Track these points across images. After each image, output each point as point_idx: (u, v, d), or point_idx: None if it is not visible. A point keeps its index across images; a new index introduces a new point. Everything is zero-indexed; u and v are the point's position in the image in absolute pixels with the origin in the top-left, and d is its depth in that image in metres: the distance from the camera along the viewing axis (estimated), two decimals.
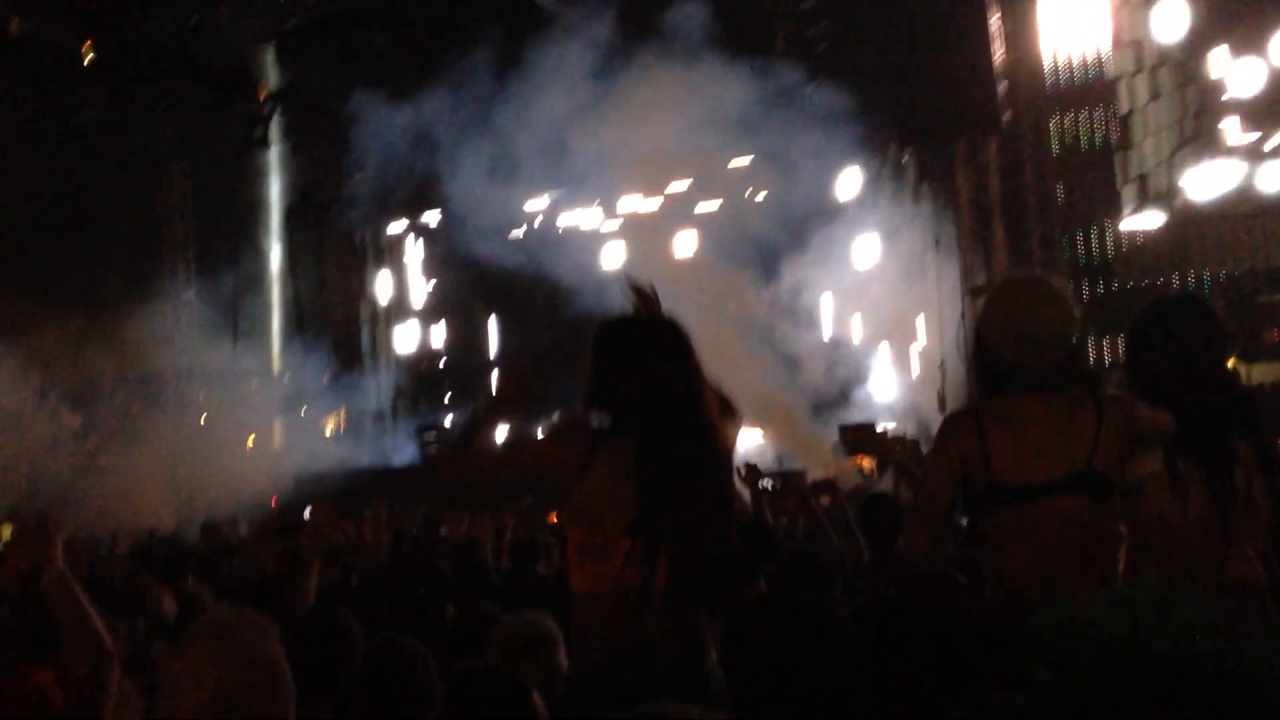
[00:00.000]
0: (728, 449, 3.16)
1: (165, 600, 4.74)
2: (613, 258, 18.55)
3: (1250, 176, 16.76)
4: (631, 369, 3.09)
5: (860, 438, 5.14)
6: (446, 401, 21.45)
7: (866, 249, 18.46)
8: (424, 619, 4.33)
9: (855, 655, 1.90)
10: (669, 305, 3.29)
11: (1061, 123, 18.55)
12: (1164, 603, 1.39)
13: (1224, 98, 16.48)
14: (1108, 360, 16.60)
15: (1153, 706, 1.32)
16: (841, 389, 18.77)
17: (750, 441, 17.94)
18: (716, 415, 3.13)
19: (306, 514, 7.96)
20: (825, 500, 6.00)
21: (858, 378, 18.83)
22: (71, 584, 2.62)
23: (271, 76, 20.79)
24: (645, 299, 3.29)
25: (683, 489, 2.97)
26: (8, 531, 14.06)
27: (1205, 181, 17.12)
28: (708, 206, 18.74)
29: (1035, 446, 3.07)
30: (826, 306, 18.80)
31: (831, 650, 1.86)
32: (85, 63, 17.94)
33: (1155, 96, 17.05)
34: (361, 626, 3.40)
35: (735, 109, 15.97)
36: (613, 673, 2.82)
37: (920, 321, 17.75)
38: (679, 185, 18.58)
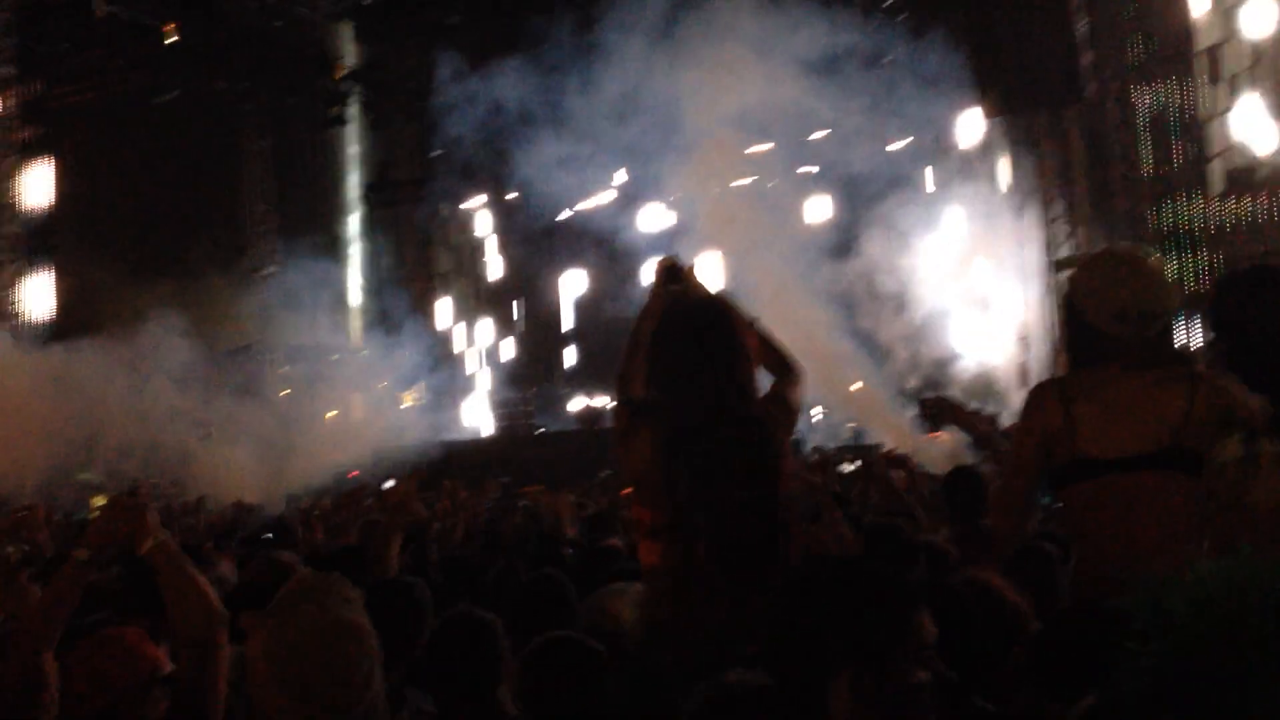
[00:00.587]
0: (772, 433, 3.06)
1: (225, 566, 4.85)
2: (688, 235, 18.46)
3: None
4: (659, 355, 3.09)
5: (939, 412, 5.06)
6: (522, 376, 21.62)
7: (950, 222, 18.23)
8: (499, 591, 4.37)
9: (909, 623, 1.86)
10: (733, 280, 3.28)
11: (1147, 94, 18.10)
12: (1265, 578, 1.34)
13: None
14: (1192, 336, 16.23)
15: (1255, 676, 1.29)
16: (922, 363, 18.63)
17: (829, 417, 17.89)
18: (756, 398, 3.08)
19: (387, 485, 8.07)
20: (901, 476, 5.93)
21: (939, 352, 18.66)
22: (175, 551, 2.67)
23: (349, 54, 21.01)
24: (678, 278, 3.30)
25: (711, 486, 2.94)
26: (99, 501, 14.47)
27: None
28: (790, 176, 18.59)
29: (1124, 420, 3.02)
30: (908, 280, 18.60)
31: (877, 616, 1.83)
32: (168, 43, 18.25)
33: (1248, 65, 16.55)
34: (432, 596, 3.45)
35: (817, 78, 15.78)
36: (668, 650, 2.83)
37: (1002, 295, 17.51)
38: (756, 158, 18.44)
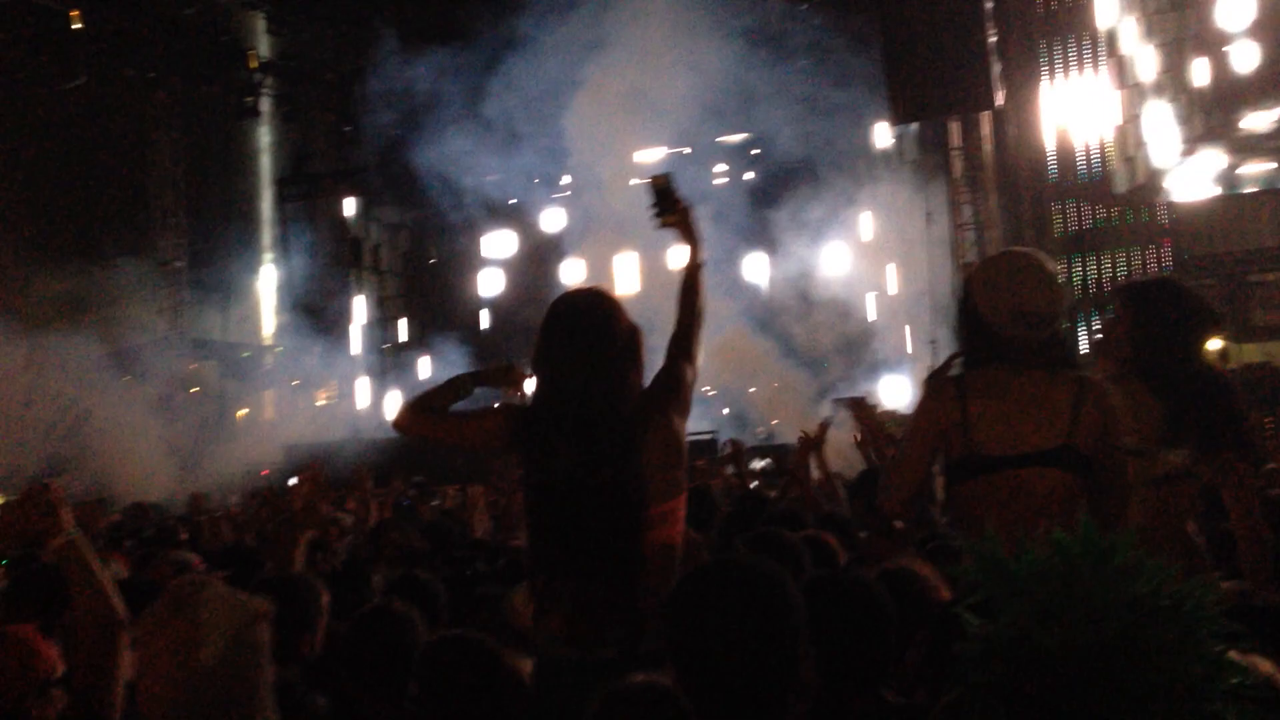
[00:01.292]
0: (636, 435, 3.02)
1: (115, 566, 4.77)
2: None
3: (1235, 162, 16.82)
4: (538, 345, 3.12)
5: (853, 411, 5.18)
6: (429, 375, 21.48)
7: (861, 226, 18.50)
8: (413, 588, 4.36)
9: (795, 622, 1.90)
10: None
11: (1055, 101, 18.52)
12: (1103, 548, 1.41)
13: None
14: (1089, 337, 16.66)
15: (1086, 644, 1.36)
16: (839, 363, 18.90)
17: (743, 418, 18.06)
18: (627, 396, 3.07)
19: (292, 483, 7.97)
20: (817, 474, 6.03)
21: (856, 354, 18.95)
22: (83, 550, 2.63)
23: (262, 45, 20.67)
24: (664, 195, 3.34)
25: (564, 522, 2.97)
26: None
27: (1194, 165, 17.18)
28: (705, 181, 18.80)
29: (1014, 419, 3.11)
30: (824, 282, 18.87)
31: (768, 614, 1.87)
32: (74, 28, 17.80)
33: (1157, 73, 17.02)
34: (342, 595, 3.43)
35: (731, 85, 15.96)
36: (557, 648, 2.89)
37: (912, 298, 17.81)
38: (670, 159, 18.61)
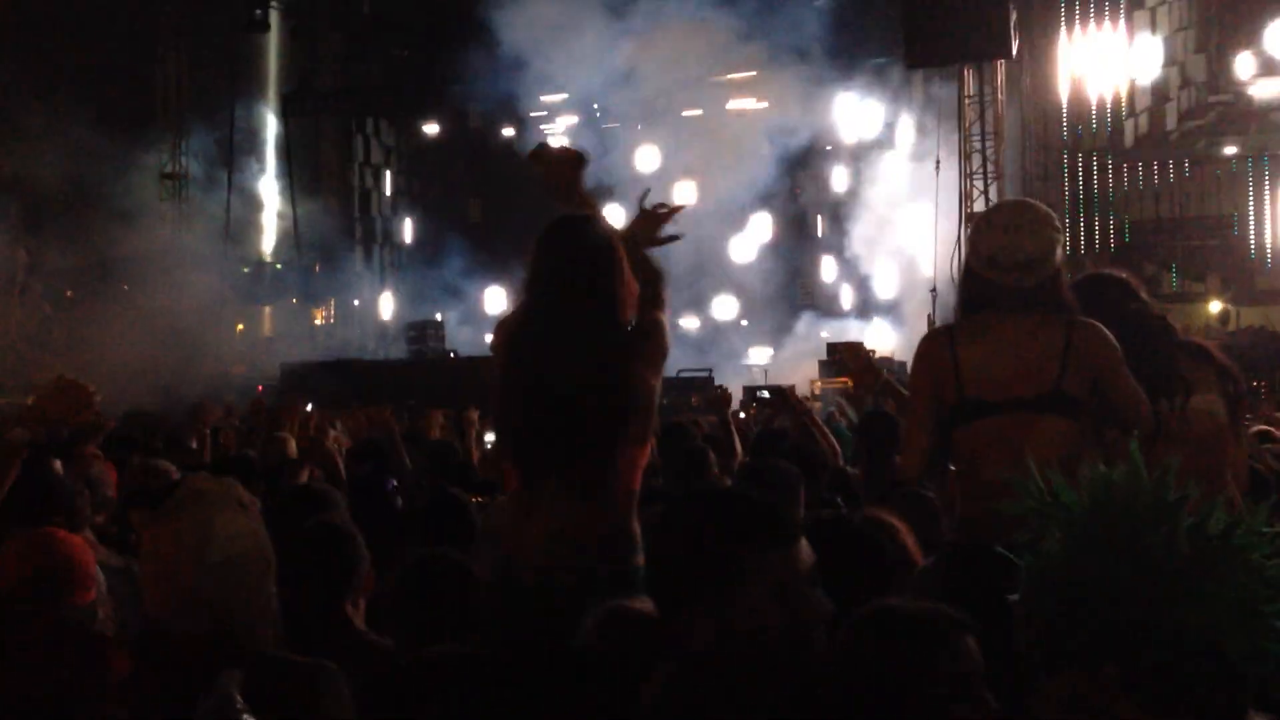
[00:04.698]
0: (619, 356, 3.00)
1: (96, 468, 4.80)
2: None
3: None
4: (533, 268, 3.11)
5: (846, 358, 5.18)
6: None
7: (870, 172, 18.39)
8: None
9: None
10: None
11: (1071, 53, 18.31)
12: (1151, 483, 1.48)
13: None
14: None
15: (1147, 572, 1.44)
16: (841, 308, 18.94)
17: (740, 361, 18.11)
18: (616, 332, 3.04)
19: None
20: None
21: (859, 299, 18.98)
22: None
23: None
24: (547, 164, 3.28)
25: (547, 426, 2.97)
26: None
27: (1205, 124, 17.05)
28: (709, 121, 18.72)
29: (1004, 363, 3.13)
30: (827, 227, 18.84)
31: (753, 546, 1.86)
32: None
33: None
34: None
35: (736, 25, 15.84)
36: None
37: (921, 249, 17.74)
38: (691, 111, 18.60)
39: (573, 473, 2.92)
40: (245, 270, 19.92)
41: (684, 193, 18.75)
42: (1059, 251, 3.24)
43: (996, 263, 3.16)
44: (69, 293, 16.79)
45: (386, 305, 22.37)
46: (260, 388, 15.43)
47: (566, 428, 2.94)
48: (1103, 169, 19.14)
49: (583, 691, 2.14)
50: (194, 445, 7.08)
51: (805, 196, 19.80)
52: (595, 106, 19.56)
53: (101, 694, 2.17)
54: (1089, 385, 3.11)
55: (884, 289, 18.76)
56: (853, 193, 18.88)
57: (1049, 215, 3.25)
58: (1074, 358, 3.10)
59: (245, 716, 1.93)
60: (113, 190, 17.64)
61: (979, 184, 17.29)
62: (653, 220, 3.32)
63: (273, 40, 21.48)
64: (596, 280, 3.01)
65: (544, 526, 2.91)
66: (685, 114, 19.10)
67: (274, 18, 20.59)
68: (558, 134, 19.97)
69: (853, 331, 17.48)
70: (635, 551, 2.91)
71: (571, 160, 3.31)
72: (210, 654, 2.04)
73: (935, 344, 3.27)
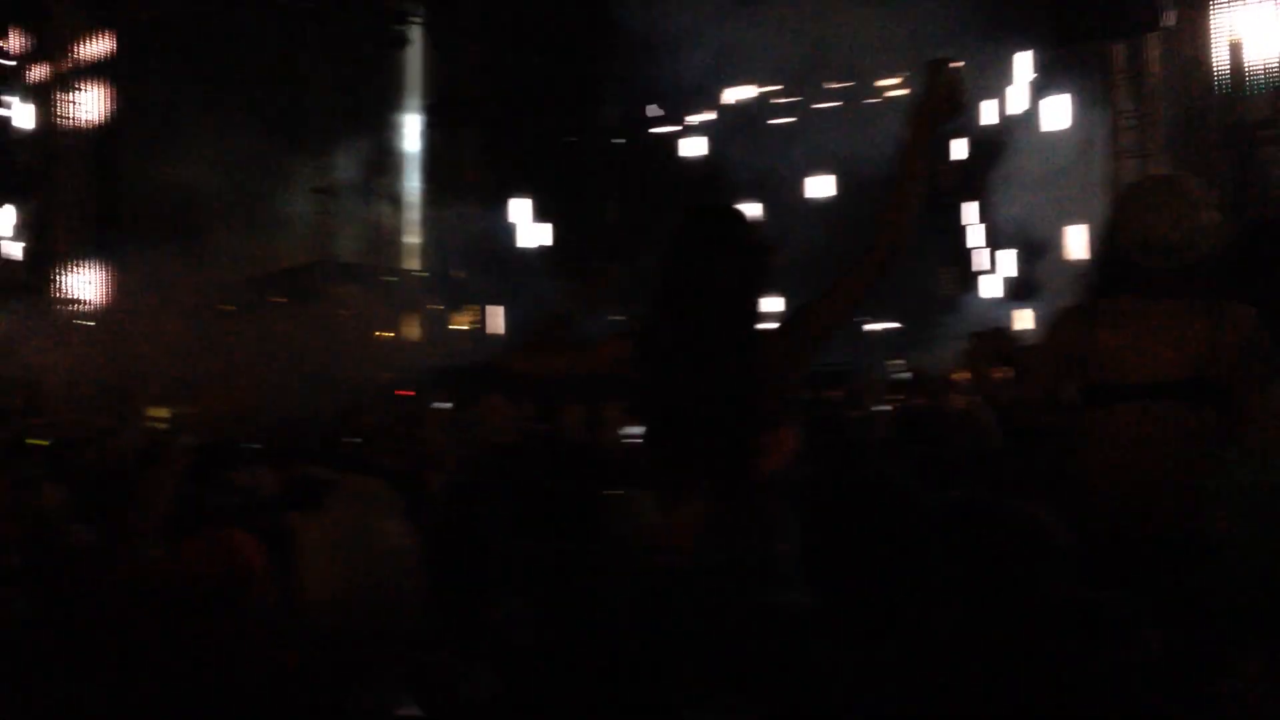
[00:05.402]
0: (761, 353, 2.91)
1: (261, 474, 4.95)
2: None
3: None
4: (667, 264, 3.03)
5: (988, 345, 4.99)
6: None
7: (1021, 150, 17.87)
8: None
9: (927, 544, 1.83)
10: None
11: (1226, 22, 17.48)
12: None
13: None
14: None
15: None
16: (985, 292, 18.48)
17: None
18: (751, 332, 2.94)
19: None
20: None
21: (1004, 284, 18.49)
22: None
23: None
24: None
25: (683, 433, 2.91)
26: (161, 413, 14.70)
27: None
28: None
29: (1147, 349, 2.99)
30: (973, 212, 18.41)
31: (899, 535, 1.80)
32: None
33: None
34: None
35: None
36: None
37: (1066, 230, 17.19)
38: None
39: (714, 465, 2.88)
40: (393, 279, 20.43)
41: (823, 185, 18.57)
42: (1211, 233, 3.05)
43: (1150, 246, 3.01)
44: (229, 305, 17.46)
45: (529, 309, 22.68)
46: (408, 392, 15.80)
47: (706, 422, 2.90)
48: (1264, 143, 18.23)
49: None
50: (346, 449, 7.29)
51: (947, 180, 19.34)
52: (732, 103, 19.49)
53: (280, 685, 2.23)
54: (1234, 372, 2.94)
55: (1032, 272, 18.23)
56: (999, 173, 18.40)
57: (1199, 194, 3.07)
58: (1221, 344, 2.93)
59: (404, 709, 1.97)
60: (267, 202, 18.31)
61: (1132, 163, 16.68)
62: (950, 86, 2.88)
63: (415, 53, 22.02)
64: (735, 272, 2.96)
65: (688, 518, 2.88)
66: (817, 106, 18.95)
67: (416, 32, 21.13)
68: (697, 137, 19.95)
69: (1002, 318, 17.01)
70: (780, 539, 2.85)
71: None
72: (363, 648, 2.08)
73: (1071, 321, 3.16)
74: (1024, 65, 17.38)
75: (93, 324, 16.45)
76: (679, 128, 20.48)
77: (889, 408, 7.65)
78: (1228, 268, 3.31)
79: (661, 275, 3.04)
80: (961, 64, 2.91)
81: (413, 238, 22.14)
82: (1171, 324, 3.00)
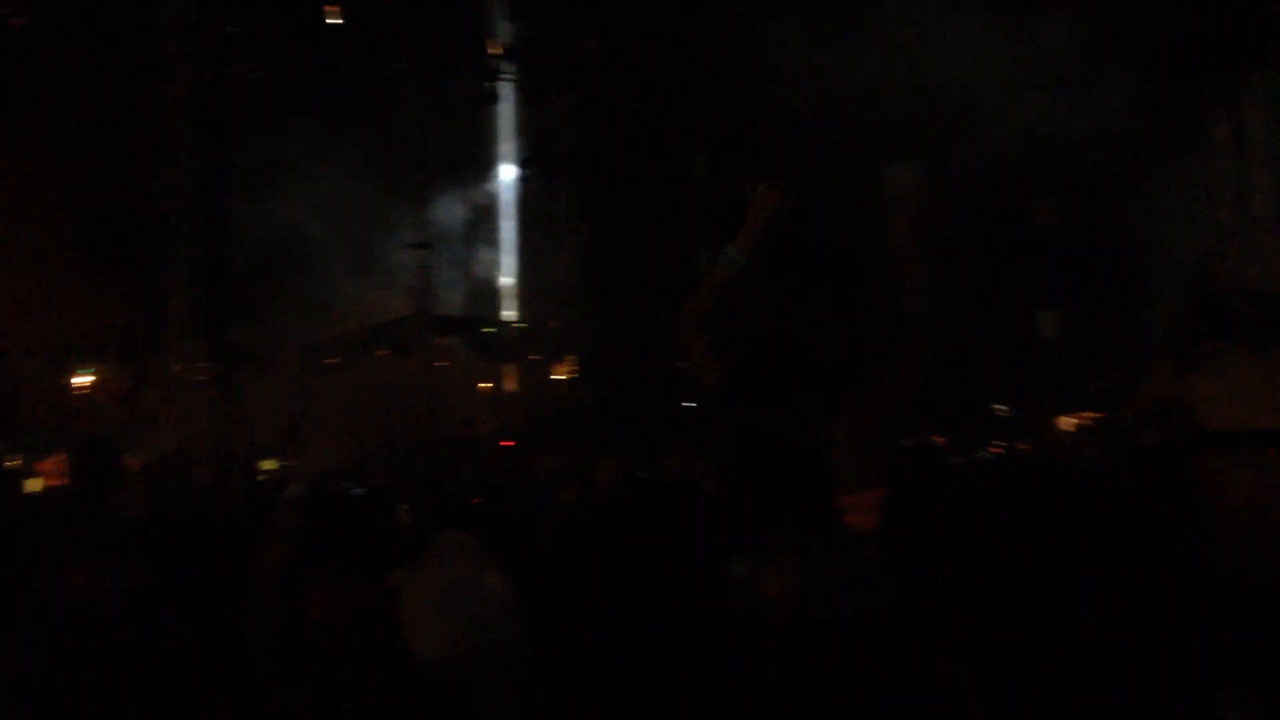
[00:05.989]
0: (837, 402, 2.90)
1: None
2: None
3: None
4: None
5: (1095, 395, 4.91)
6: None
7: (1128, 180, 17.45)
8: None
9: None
10: None
11: None
12: None
13: None
14: None
15: None
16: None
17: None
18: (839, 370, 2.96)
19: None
20: None
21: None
22: None
23: (504, 30, 21.30)
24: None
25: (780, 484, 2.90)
26: (269, 465, 15.01)
27: None
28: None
29: (1244, 397, 2.94)
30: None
31: None
32: (330, 22, 18.76)
33: None
34: None
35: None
36: None
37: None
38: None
39: (811, 520, 2.89)
40: (489, 331, 20.72)
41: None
42: None
43: (1249, 291, 2.98)
44: (329, 359, 17.83)
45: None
46: (508, 443, 15.97)
47: (804, 476, 2.91)
48: None
49: None
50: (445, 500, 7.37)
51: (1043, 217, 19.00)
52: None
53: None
54: None
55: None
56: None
57: None
58: None
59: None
60: (369, 254, 18.73)
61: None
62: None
63: (507, 107, 22.42)
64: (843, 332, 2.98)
65: (787, 573, 2.87)
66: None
67: (507, 87, 21.55)
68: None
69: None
70: (877, 593, 2.84)
71: (776, 200, 3.23)
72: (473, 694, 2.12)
73: (1166, 367, 3.13)
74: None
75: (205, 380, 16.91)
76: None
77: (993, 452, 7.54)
78: None
79: (764, 317, 3.06)
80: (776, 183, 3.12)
81: (510, 289, 22.44)
82: (1266, 373, 2.97)
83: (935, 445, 7.58)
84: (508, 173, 23.04)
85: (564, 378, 21.44)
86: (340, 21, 18.85)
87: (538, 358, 20.37)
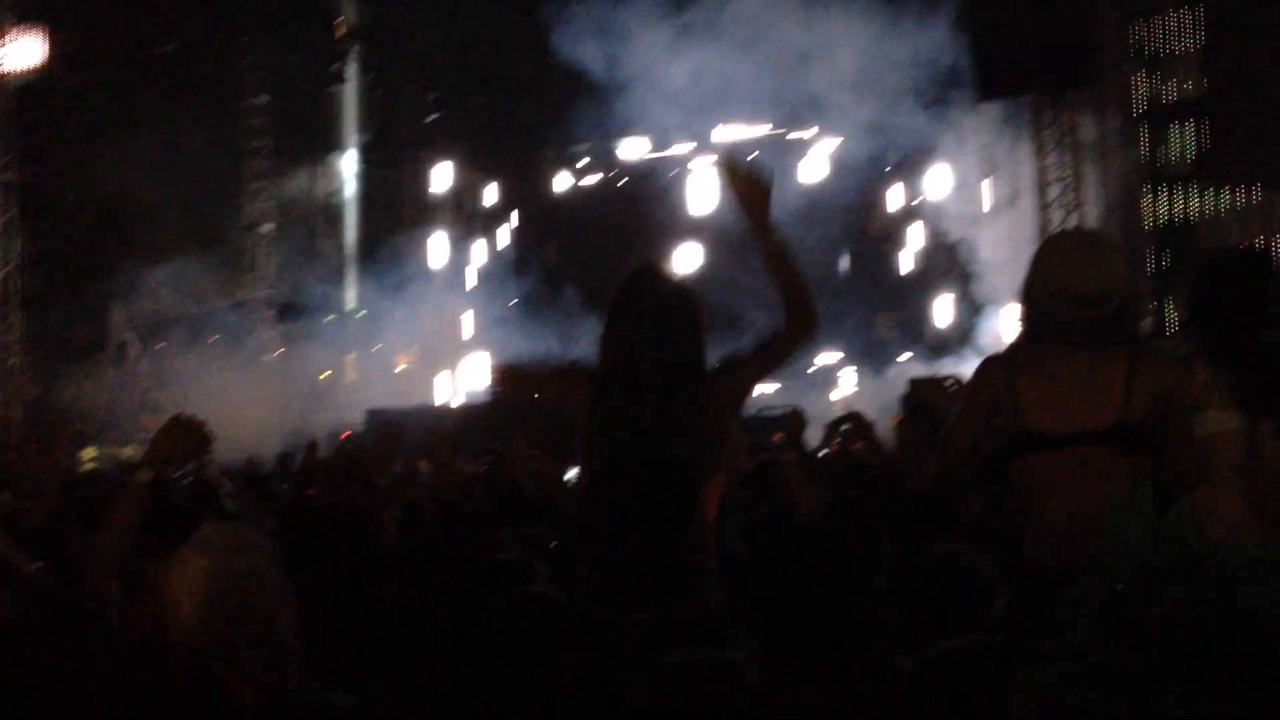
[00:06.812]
0: (689, 442, 3.08)
1: None
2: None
3: None
4: (611, 323, 3.17)
5: (927, 393, 5.07)
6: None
7: (953, 200, 18.18)
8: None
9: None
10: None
11: (1145, 82, 18.01)
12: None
13: None
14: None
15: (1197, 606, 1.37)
16: (921, 342, 18.75)
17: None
18: (695, 385, 3.11)
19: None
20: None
21: (936, 333, 18.78)
22: None
23: (350, 12, 20.86)
24: (739, 177, 3.31)
25: (616, 487, 3.07)
26: (89, 453, 14.46)
27: None
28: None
29: (1064, 397, 3.12)
30: (907, 258, 18.68)
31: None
32: None
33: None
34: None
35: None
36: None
37: (993, 277, 17.52)
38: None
39: (653, 516, 2.99)
40: (329, 319, 20.28)
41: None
42: (1123, 284, 3.23)
43: (1064, 296, 3.15)
44: (160, 345, 17.22)
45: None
46: (346, 433, 15.68)
47: (652, 473, 3.00)
48: (1186, 193, 18.76)
49: None
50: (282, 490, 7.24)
51: (875, 229, 19.60)
52: (673, 146, 19.61)
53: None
54: (1155, 419, 3.08)
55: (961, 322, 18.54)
56: (927, 225, 18.68)
57: (1112, 246, 3.26)
58: (1138, 390, 3.07)
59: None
60: (201, 242, 18.10)
61: (1058, 214, 17.10)
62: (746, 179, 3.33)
63: (351, 91, 21.94)
64: (673, 332, 3.07)
65: (624, 568, 2.97)
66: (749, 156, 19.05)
67: (352, 70, 21.08)
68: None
69: (940, 366, 17.25)
70: (714, 587, 2.96)
71: (764, 184, 3.37)
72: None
73: (994, 371, 3.29)
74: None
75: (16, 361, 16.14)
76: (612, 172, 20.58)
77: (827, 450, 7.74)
78: (1189, 306, 3.47)
79: (610, 330, 3.17)
80: (753, 156, 3.35)
81: (350, 278, 21.96)
82: (1089, 372, 3.11)
83: (769, 444, 7.80)
84: (351, 158, 22.53)
85: (403, 368, 21.14)
86: None
87: (379, 346, 20.04)
